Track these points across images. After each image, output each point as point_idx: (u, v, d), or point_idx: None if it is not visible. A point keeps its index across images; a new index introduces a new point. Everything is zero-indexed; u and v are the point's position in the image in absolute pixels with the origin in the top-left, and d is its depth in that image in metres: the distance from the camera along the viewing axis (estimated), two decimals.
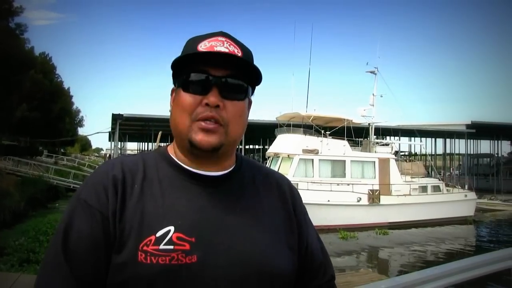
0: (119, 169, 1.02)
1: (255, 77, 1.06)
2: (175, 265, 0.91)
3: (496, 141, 43.22)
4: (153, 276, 0.90)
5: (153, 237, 0.92)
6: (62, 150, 63.59)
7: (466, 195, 24.22)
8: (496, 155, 44.33)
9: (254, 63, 1.06)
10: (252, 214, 1.05)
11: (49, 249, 0.97)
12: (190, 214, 0.98)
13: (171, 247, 0.92)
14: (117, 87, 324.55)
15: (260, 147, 44.84)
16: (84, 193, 0.99)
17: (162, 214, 0.96)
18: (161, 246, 0.92)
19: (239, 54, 1.02)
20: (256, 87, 1.11)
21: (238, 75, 1.03)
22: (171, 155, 1.09)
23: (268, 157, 23.26)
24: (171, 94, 1.10)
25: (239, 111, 1.04)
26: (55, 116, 41.69)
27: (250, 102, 1.12)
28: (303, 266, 1.12)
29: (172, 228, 0.94)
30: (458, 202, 23.41)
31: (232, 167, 1.11)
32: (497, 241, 18.24)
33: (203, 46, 1.01)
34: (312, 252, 1.16)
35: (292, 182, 1.27)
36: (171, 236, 0.93)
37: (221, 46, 1.01)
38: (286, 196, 1.16)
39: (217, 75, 1.00)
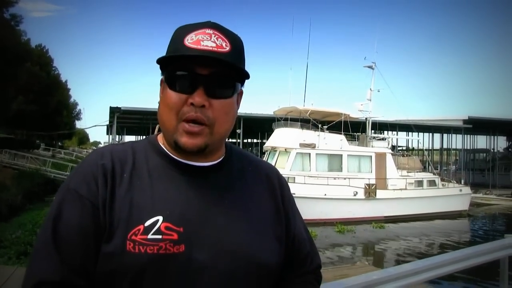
0: (108, 158, 1.01)
1: (243, 72, 1.04)
2: (163, 255, 0.92)
3: (492, 137, 43.27)
4: (141, 265, 0.91)
5: (141, 227, 0.93)
6: (59, 143, 63.39)
7: (461, 190, 24.34)
8: (492, 150, 44.41)
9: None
10: (240, 205, 1.06)
11: (39, 238, 0.97)
12: (178, 204, 0.98)
13: (159, 236, 0.93)
14: (115, 80, 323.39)
15: (258, 141, 44.77)
16: (73, 182, 0.98)
17: (151, 204, 0.97)
18: (150, 236, 0.92)
19: (227, 48, 0.99)
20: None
21: (225, 71, 1.00)
22: (161, 144, 1.09)
23: (266, 151, 23.25)
24: (161, 84, 1.07)
25: (225, 108, 1.02)
26: (52, 109, 41.49)
27: (240, 93, 1.10)
28: (290, 256, 1.14)
29: (160, 218, 0.95)
30: (453, 196, 23.54)
31: (221, 158, 1.11)
32: (489, 234, 18.38)
33: (189, 40, 0.98)
34: (300, 242, 1.17)
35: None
36: (160, 226, 0.94)
37: (208, 40, 0.98)
38: (275, 187, 1.16)
39: (202, 73, 0.98)
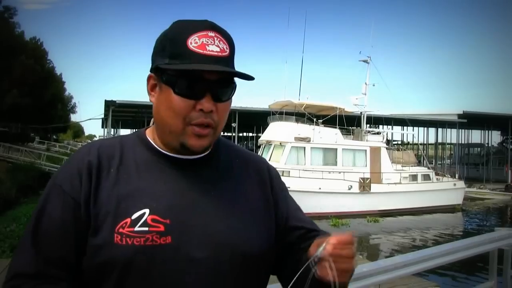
0: (95, 154, 1.04)
1: (240, 75, 1.05)
2: (149, 246, 0.94)
3: (486, 131, 43.50)
4: (128, 257, 0.93)
5: (128, 220, 0.95)
6: (54, 136, 63.11)
7: (455, 184, 24.56)
8: (486, 145, 44.67)
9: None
10: (227, 197, 1.07)
11: (24, 231, 1.01)
12: (165, 197, 1.00)
13: (146, 228, 0.95)
14: (111, 74, 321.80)
15: (253, 134, 44.81)
16: (59, 178, 1.02)
17: (138, 197, 0.99)
18: (136, 228, 0.95)
19: (227, 52, 1.01)
20: (249, 73, 1.06)
21: (229, 76, 1.03)
22: (149, 139, 1.10)
23: (261, 145, 23.30)
24: (148, 81, 1.07)
25: (226, 109, 1.06)
26: (47, 102, 41.19)
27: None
28: (287, 239, 1.14)
29: (147, 210, 0.97)
30: (447, 190, 23.76)
31: (209, 151, 1.12)
32: (482, 228, 18.55)
33: (194, 44, 0.98)
34: (297, 221, 1.17)
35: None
36: (146, 218, 0.96)
37: (212, 44, 0.99)
38: (264, 177, 1.17)
39: (210, 79, 0.99)
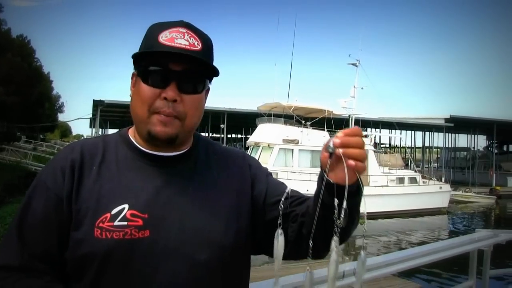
0: (78, 152, 1.09)
1: (212, 69, 1.10)
2: (128, 240, 0.99)
3: (473, 135, 43.99)
4: (108, 250, 0.98)
5: (108, 215, 1.00)
6: (41, 136, 62.36)
7: (441, 187, 24.80)
8: (472, 149, 45.16)
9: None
10: (204, 192, 1.11)
11: (9, 225, 1.07)
12: (144, 193, 1.05)
13: (125, 223, 1.00)
14: (99, 73, 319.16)
15: (242, 136, 44.77)
16: (44, 175, 1.08)
17: (118, 193, 1.04)
18: (116, 223, 1.00)
19: (199, 47, 1.05)
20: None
21: (196, 68, 1.06)
22: (131, 137, 1.15)
23: (249, 146, 23.30)
24: (132, 78, 1.13)
25: (195, 103, 1.08)
26: (34, 101, 40.66)
27: (207, 91, 1.16)
28: (273, 214, 1.11)
29: (126, 206, 1.02)
30: (433, 193, 23.98)
31: (188, 148, 1.16)
32: (466, 230, 18.79)
33: (164, 37, 1.04)
34: (278, 197, 1.13)
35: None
36: (125, 213, 1.01)
37: (181, 38, 1.04)
38: (244, 169, 1.21)
39: (175, 70, 1.04)
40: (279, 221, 0.99)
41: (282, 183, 1.23)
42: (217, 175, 1.17)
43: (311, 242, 0.93)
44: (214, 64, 1.11)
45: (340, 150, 0.89)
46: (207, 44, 1.10)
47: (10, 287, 0.98)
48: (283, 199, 1.04)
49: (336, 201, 0.89)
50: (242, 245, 1.13)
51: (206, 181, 1.14)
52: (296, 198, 1.14)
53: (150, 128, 1.05)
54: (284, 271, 2.53)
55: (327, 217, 0.91)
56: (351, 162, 0.88)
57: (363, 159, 0.91)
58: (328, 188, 0.93)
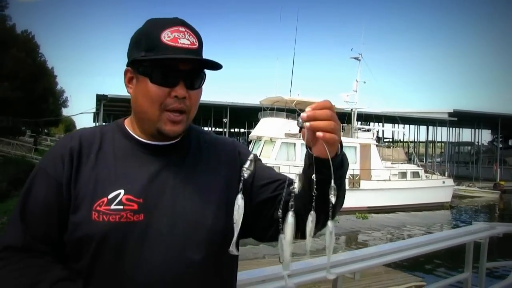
0: (76, 141, 1.16)
1: (210, 64, 1.15)
2: (124, 223, 1.06)
3: (477, 130, 43.84)
4: (104, 232, 1.05)
5: (105, 199, 1.07)
6: (45, 130, 62.64)
7: (444, 182, 24.79)
8: (476, 144, 45.02)
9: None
10: (196, 178, 1.18)
11: (14, 209, 1.13)
12: (139, 179, 1.12)
13: (121, 207, 1.07)
14: (102, 68, 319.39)
15: (244, 130, 44.79)
16: (44, 162, 1.16)
17: (114, 179, 1.11)
18: (112, 207, 1.06)
19: (196, 45, 1.13)
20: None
21: (199, 66, 1.15)
22: (127, 128, 1.22)
23: (251, 140, 23.36)
24: (125, 75, 1.18)
25: (198, 97, 1.17)
26: (38, 96, 40.72)
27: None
28: (261, 197, 1.20)
29: (122, 191, 1.08)
30: (436, 188, 23.98)
31: (181, 137, 1.22)
32: (467, 225, 18.74)
33: (167, 37, 1.09)
34: (265, 180, 1.22)
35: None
36: (121, 198, 1.08)
37: (183, 38, 1.10)
38: (234, 157, 1.27)
39: (183, 69, 1.11)
40: (290, 203, 0.98)
41: (270, 168, 1.30)
42: (208, 163, 1.23)
43: (311, 213, 1.00)
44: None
45: (307, 124, 0.95)
46: (200, 40, 1.17)
47: (14, 266, 1.06)
48: (286, 186, 1.06)
49: (314, 175, 0.98)
50: (231, 228, 1.17)
51: (198, 168, 1.21)
52: (283, 181, 1.17)
53: (160, 127, 1.12)
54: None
55: (314, 191, 0.98)
56: (319, 133, 0.94)
57: (331, 130, 0.95)
58: (313, 163, 1.01)
